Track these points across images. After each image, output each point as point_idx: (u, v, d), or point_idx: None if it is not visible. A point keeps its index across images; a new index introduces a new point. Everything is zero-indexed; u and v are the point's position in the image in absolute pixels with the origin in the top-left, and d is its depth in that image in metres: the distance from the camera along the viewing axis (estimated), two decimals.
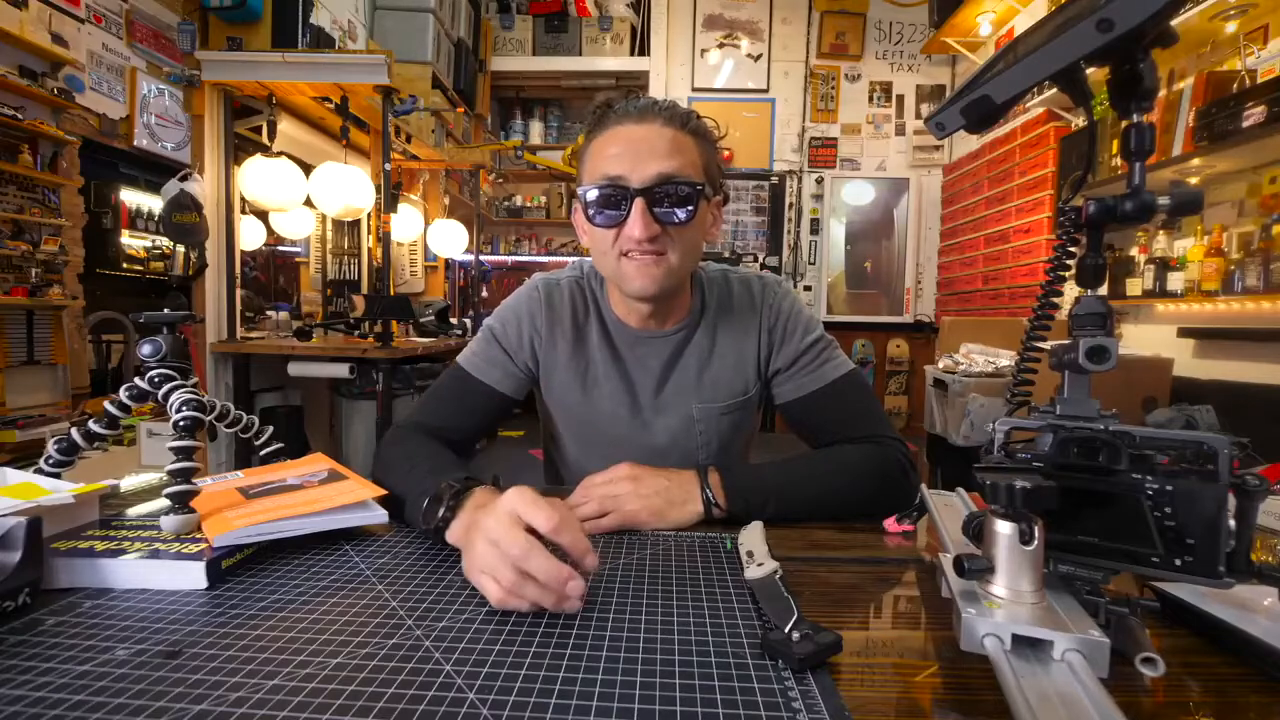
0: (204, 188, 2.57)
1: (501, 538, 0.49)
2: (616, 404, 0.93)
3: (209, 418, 0.71)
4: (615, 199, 0.78)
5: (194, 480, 0.64)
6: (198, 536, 0.60)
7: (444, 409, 0.90)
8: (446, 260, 4.62)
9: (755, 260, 5.20)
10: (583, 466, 0.92)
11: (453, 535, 0.60)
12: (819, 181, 5.18)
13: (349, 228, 3.85)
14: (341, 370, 2.72)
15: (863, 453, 0.81)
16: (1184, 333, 2.69)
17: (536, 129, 5.68)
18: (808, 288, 5.27)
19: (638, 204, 0.76)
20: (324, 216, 3.55)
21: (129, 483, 0.86)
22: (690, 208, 0.79)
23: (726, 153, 0.88)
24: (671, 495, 0.72)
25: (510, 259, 5.97)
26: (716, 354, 0.93)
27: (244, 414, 0.79)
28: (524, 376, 0.93)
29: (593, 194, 0.78)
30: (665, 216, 0.78)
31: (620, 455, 0.79)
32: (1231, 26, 2.46)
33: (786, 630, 0.44)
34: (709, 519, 0.72)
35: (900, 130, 5.17)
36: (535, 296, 0.93)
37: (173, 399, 0.66)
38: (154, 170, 2.61)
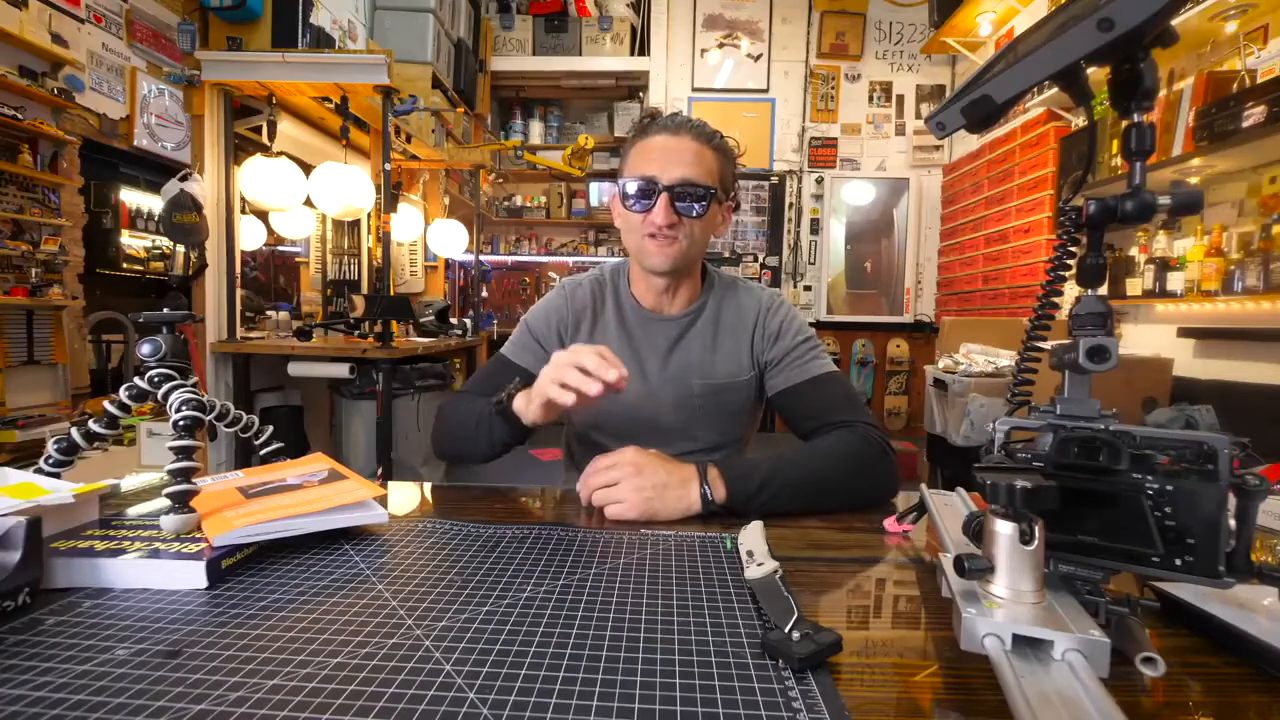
0: (204, 188, 2.56)
1: (560, 360, 0.78)
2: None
3: (209, 417, 0.71)
4: (647, 191, 0.99)
5: (194, 480, 0.64)
6: (198, 536, 0.60)
7: (488, 385, 1.07)
8: (446, 260, 4.62)
9: (755, 260, 5.20)
10: (599, 446, 1.05)
11: (518, 404, 0.87)
12: (819, 181, 5.18)
13: (349, 228, 3.85)
14: (341, 370, 2.72)
15: (842, 437, 0.92)
16: (1184, 333, 2.69)
17: (536, 129, 5.68)
18: (808, 288, 5.27)
19: (663, 197, 0.97)
20: (324, 216, 3.55)
21: (129, 482, 0.86)
22: (704, 204, 0.99)
23: (740, 155, 1.18)
24: (670, 486, 0.77)
25: (510, 259, 5.97)
26: (717, 340, 1.09)
27: (244, 414, 0.79)
28: None
29: (631, 185, 1.00)
30: (684, 210, 0.99)
31: (632, 428, 1.01)
32: (1231, 26, 2.46)
33: (786, 630, 0.44)
34: (706, 508, 0.76)
35: (900, 130, 5.17)
36: (562, 294, 1.14)
37: (173, 399, 0.66)
38: (154, 170, 2.61)
